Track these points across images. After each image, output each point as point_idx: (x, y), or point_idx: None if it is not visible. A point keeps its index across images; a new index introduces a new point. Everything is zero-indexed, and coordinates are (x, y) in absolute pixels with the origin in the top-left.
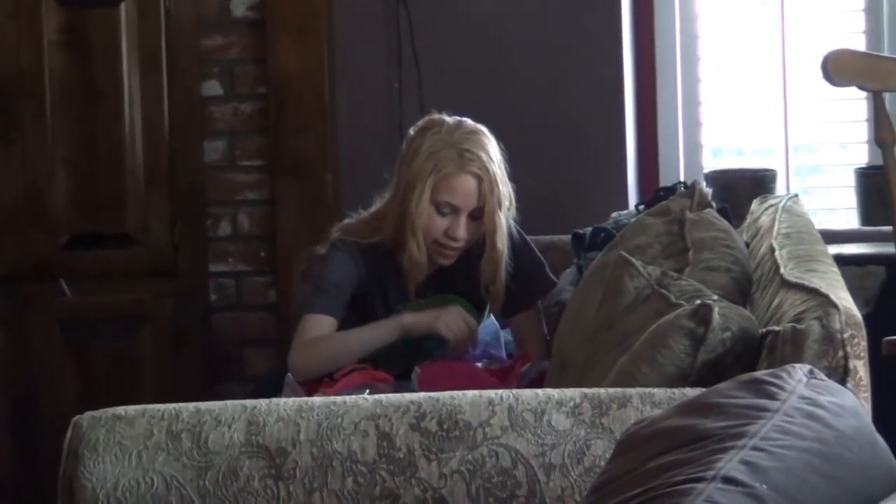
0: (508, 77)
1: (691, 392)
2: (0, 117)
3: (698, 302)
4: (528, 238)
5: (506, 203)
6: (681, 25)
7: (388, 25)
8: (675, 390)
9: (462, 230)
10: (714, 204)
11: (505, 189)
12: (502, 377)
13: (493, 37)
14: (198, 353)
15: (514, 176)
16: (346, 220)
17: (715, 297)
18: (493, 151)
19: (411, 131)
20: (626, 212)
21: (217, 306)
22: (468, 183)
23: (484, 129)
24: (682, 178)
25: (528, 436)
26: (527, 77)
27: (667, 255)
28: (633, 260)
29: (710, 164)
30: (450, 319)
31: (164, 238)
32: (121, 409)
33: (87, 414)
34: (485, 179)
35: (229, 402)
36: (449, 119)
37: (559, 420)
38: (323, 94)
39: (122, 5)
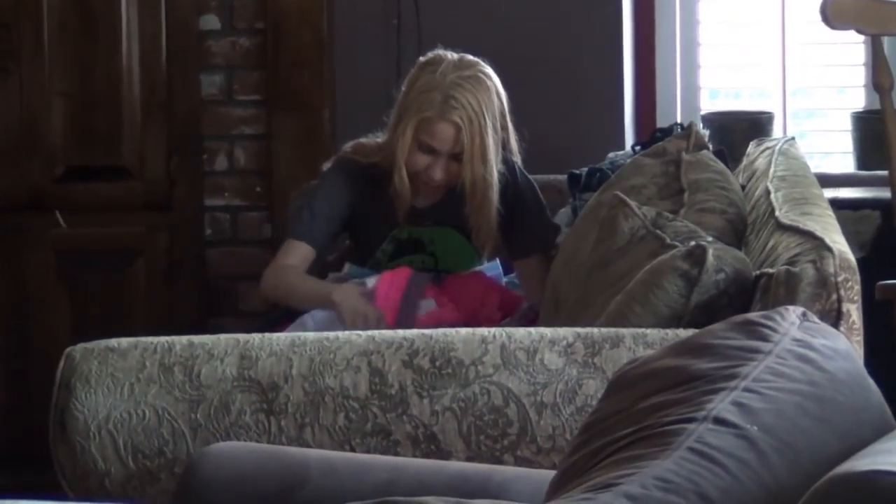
0: (506, 14)
1: (684, 333)
2: None
3: (693, 243)
4: (535, 182)
5: (492, 151)
6: None
7: None
8: (668, 331)
9: (439, 172)
10: (710, 146)
11: (492, 138)
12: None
13: None
14: (191, 287)
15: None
16: (362, 138)
17: (709, 239)
18: (484, 99)
19: (420, 59)
20: (622, 152)
21: (212, 241)
22: (446, 129)
23: (484, 73)
24: (678, 120)
25: (521, 374)
26: (525, 15)
27: (662, 196)
28: (628, 200)
29: (707, 105)
30: (347, 309)
31: (159, 172)
32: (113, 342)
33: (80, 346)
34: (464, 128)
35: (222, 336)
36: (452, 58)
37: (552, 359)
38: (321, 29)
39: None
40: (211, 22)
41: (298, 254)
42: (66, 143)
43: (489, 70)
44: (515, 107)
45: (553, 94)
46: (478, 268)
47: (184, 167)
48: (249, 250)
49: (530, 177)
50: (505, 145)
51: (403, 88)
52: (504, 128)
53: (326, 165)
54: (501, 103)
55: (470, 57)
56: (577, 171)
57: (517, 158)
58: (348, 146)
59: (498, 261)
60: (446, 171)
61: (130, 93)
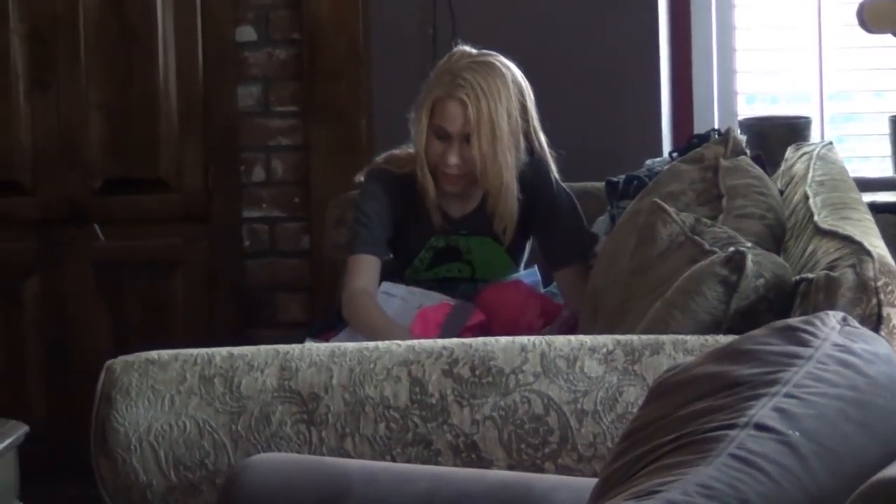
0: (543, 22)
1: (724, 339)
2: (35, 61)
3: (732, 249)
4: (571, 192)
5: (504, 133)
6: None
7: None
8: (708, 337)
9: (454, 156)
10: (748, 151)
11: (504, 121)
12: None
13: None
14: (231, 298)
15: (542, 122)
16: (395, 150)
17: (748, 245)
18: (494, 81)
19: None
20: (659, 159)
21: (250, 252)
22: (454, 108)
23: (500, 62)
24: (716, 126)
25: (561, 382)
26: (561, 23)
27: (700, 202)
28: (666, 207)
29: (745, 111)
30: None
31: (197, 183)
32: (154, 354)
33: (121, 358)
34: (471, 106)
35: (262, 347)
36: (467, 49)
37: (592, 366)
38: (356, 39)
39: None
40: (247, 33)
41: (366, 269)
42: (104, 156)
43: (507, 61)
44: (552, 116)
45: (590, 102)
46: (515, 275)
47: (221, 178)
48: (288, 261)
49: (566, 186)
50: (528, 136)
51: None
52: (526, 120)
53: (360, 177)
54: (521, 94)
55: (488, 51)
56: (615, 179)
57: (552, 168)
58: (380, 157)
59: (536, 268)
60: (460, 155)
61: (168, 104)
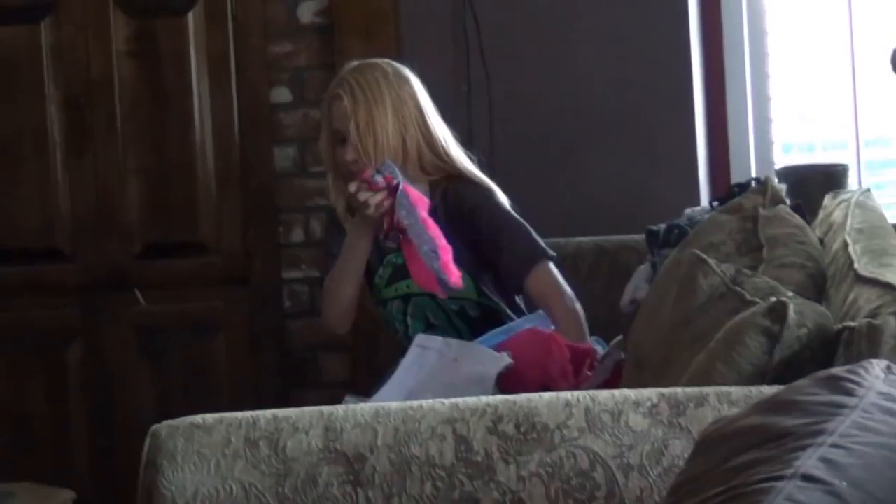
0: (577, 76)
1: (768, 390)
2: (71, 128)
3: (773, 299)
4: (512, 212)
5: (381, 126)
6: (749, 21)
7: (454, 27)
8: (752, 388)
9: (349, 153)
10: (788, 200)
11: (387, 114)
12: (577, 367)
13: (560, 35)
14: (273, 360)
15: (579, 174)
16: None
17: (790, 294)
18: (375, 76)
19: None
20: (699, 208)
21: (291, 313)
22: (338, 106)
23: (386, 64)
24: (753, 174)
25: (606, 437)
26: (596, 76)
27: (741, 253)
28: (706, 258)
29: (781, 159)
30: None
31: (236, 245)
32: (198, 418)
33: (165, 423)
34: (347, 100)
35: (306, 409)
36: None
37: (637, 420)
38: None
39: (190, 13)
40: (282, 94)
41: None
42: (143, 220)
43: (398, 65)
44: (586, 167)
45: (627, 153)
46: (523, 319)
47: (260, 240)
48: None
49: (503, 199)
50: (429, 141)
51: None
52: (423, 122)
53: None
54: (414, 96)
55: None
56: (656, 228)
57: (475, 180)
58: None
59: (541, 311)
60: (355, 149)
61: (205, 167)
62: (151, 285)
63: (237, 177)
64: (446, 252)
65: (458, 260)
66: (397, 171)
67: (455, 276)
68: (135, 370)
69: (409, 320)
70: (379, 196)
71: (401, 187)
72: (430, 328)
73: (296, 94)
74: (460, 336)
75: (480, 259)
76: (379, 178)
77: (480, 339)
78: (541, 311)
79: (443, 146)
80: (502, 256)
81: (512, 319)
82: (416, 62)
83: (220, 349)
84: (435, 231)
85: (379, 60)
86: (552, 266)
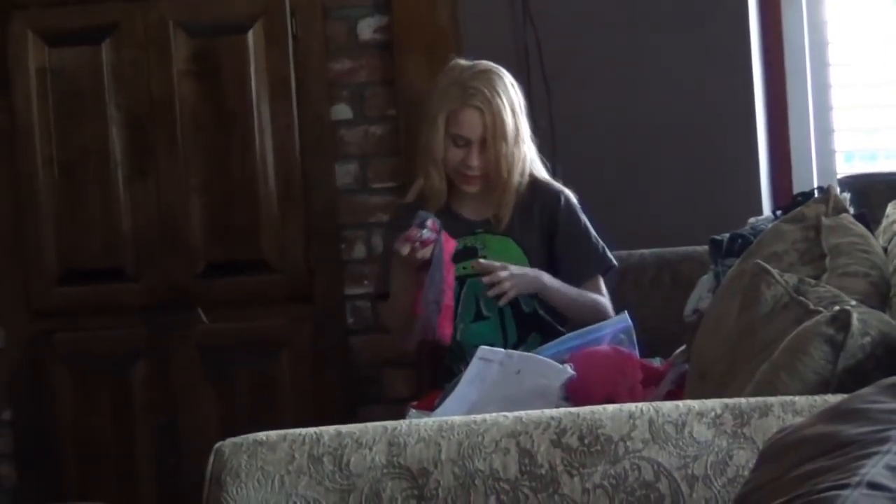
0: (638, 88)
1: (833, 399)
2: (134, 149)
3: (837, 308)
4: (584, 216)
5: (512, 135)
6: (809, 31)
7: (515, 42)
8: (817, 397)
9: (475, 159)
10: (851, 209)
11: (513, 123)
12: (647, 381)
13: (620, 49)
14: (337, 376)
15: (642, 188)
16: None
17: (853, 303)
18: (500, 87)
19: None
20: (762, 217)
21: (354, 329)
22: (472, 115)
23: (496, 69)
24: (815, 184)
25: (670, 448)
26: (657, 88)
27: (804, 262)
28: (769, 268)
29: (843, 169)
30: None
31: (299, 263)
32: (262, 435)
33: (229, 440)
34: (486, 111)
35: (370, 425)
36: (464, 63)
37: (701, 431)
38: None
39: (250, 32)
40: (343, 112)
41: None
42: (206, 240)
43: (502, 70)
44: (649, 179)
45: (690, 164)
46: (604, 322)
47: (323, 257)
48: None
49: (576, 203)
50: (531, 147)
51: (429, 98)
52: (516, 115)
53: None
54: (518, 96)
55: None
56: (719, 237)
57: (561, 190)
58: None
59: (626, 314)
60: (481, 157)
61: (266, 186)
62: (215, 304)
63: (299, 194)
64: (448, 309)
65: (534, 254)
66: (432, 215)
67: (447, 333)
68: (199, 389)
69: (461, 299)
70: (430, 249)
71: (441, 232)
72: (478, 319)
73: (356, 110)
74: (504, 327)
75: (550, 255)
76: (427, 233)
77: (564, 338)
78: (625, 315)
79: (536, 150)
80: (567, 257)
81: (558, 326)
82: None
83: (283, 367)
84: (450, 279)
85: (496, 67)
86: (602, 281)
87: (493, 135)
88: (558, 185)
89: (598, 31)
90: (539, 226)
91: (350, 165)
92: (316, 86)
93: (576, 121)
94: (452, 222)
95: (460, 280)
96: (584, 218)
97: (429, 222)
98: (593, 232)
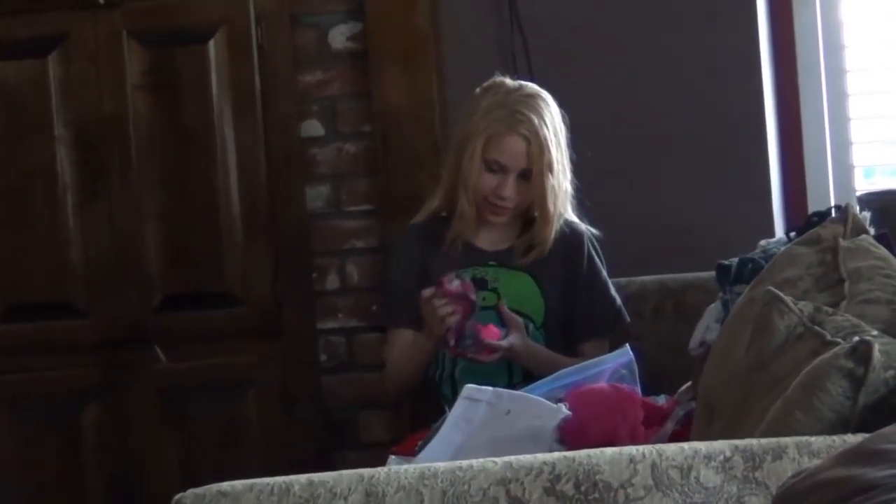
0: (637, 99)
1: (853, 439)
2: (84, 171)
3: (857, 339)
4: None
5: (558, 168)
6: (824, 35)
7: (502, 50)
8: (835, 437)
9: (509, 189)
10: (871, 230)
11: (558, 155)
12: (649, 421)
13: (617, 57)
14: (309, 419)
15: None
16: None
17: (875, 333)
18: (548, 116)
19: (476, 91)
20: (774, 239)
21: (328, 367)
22: (516, 143)
23: (544, 94)
24: (832, 202)
25: (675, 495)
26: (657, 98)
27: (820, 289)
28: (782, 295)
29: (863, 185)
30: (429, 321)
31: (266, 294)
32: (226, 485)
33: (190, 491)
34: (533, 142)
35: (344, 473)
36: (511, 82)
37: (708, 476)
38: (434, 128)
39: (211, 42)
40: (314, 128)
41: (401, 342)
42: (163, 269)
43: (548, 96)
44: (651, 195)
45: (694, 182)
46: (604, 357)
47: (292, 288)
48: (370, 375)
49: (597, 246)
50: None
51: (465, 115)
52: (561, 149)
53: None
54: (563, 126)
55: (530, 83)
56: (727, 262)
57: (587, 233)
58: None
59: (627, 346)
60: (516, 189)
61: (230, 210)
62: (174, 341)
63: (266, 219)
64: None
65: (551, 297)
66: (473, 286)
67: (486, 359)
68: (157, 434)
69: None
70: (449, 308)
71: (475, 313)
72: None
73: (328, 126)
74: (510, 363)
75: (567, 300)
76: (456, 284)
77: (558, 374)
78: (626, 348)
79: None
80: (583, 311)
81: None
82: (459, 90)
83: (250, 409)
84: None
85: (543, 92)
86: (607, 345)
87: (539, 167)
88: (583, 225)
89: (592, 36)
90: (563, 268)
91: (322, 187)
92: (284, 100)
93: (569, 132)
94: (463, 251)
95: None
96: (604, 264)
97: (465, 279)
98: (610, 283)
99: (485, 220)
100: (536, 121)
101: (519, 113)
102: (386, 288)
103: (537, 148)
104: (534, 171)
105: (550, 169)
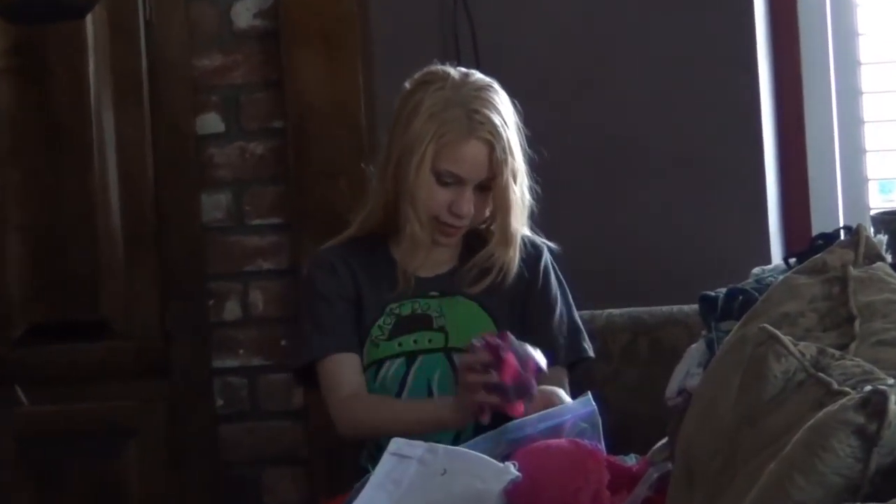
0: (606, 98)
1: None
2: None
3: (869, 388)
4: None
5: (521, 176)
6: (833, 21)
7: (443, 34)
8: None
9: (467, 205)
10: (888, 256)
11: (521, 157)
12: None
13: (584, 47)
14: (201, 476)
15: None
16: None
17: (891, 382)
18: (506, 113)
19: (407, 85)
20: (770, 267)
21: (225, 413)
22: (477, 150)
23: (494, 83)
24: (841, 222)
25: None
26: (629, 97)
27: (825, 327)
28: (779, 335)
29: (878, 202)
30: (466, 401)
31: (152, 325)
32: None
33: None
34: (497, 147)
35: None
36: (454, 72)
37: None
38: (359, 127)
39: (89, 18)
40: (212, 123)
41: (347, 371)
42: (27, 295)
43: (496, 83)
44: (623, 212)
45: (675, 198)
46: (563, 407)
47: (183, 318)
48: (276, 424)
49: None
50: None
51: (401, 117)
52: (522, 151)
53: (304, 270)
54: (518, 122)
55: (474, 70)
56: (713, 294)
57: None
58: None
59: (589, 395)
60: (480, 208)
61: (108, 221)
62: (38, 380)
63: (152, 233)
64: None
65: (503, 323)
66: (524, 351)
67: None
68: (16, 492)
69: (408, 383)
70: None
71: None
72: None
73: (229, 122)
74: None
75: (520, 324)
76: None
77: (507, 426)
78: (588, 397)
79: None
80: (538, 338)
81: None
82: (391, 80)
83: (130, 463)
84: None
85: (491, 80)
86: (565, 376)
87: (504, 176)
88: (539, 239)
89: (552, 21)
90: (517, 291)
91: (221, 195)
92: (176, 89)
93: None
94: (392, 277)
95: (409, 356)
96: (564, 285)
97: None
98: (573, 306)
99: (429, 242)
100: (498, 121)
101: (476, 113)
102: (312, 317)
103: (501, 154)
104: (496, 181)
105: (515, 178)
